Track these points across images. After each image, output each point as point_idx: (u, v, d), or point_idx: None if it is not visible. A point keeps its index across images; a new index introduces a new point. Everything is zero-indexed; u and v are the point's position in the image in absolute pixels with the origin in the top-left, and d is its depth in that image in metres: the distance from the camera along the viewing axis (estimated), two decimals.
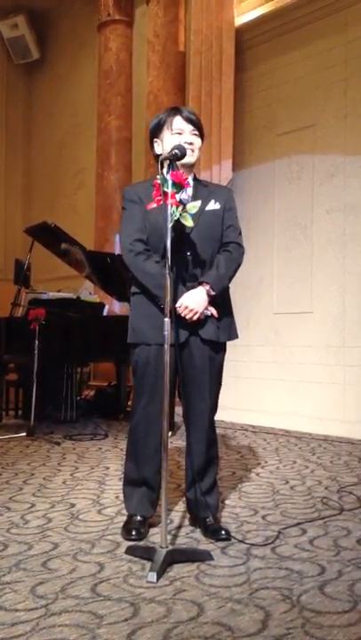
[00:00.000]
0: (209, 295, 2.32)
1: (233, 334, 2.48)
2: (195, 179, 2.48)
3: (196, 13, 5.94)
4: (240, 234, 2.51)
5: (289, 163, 5.55)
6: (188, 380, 2.38)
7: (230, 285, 2.46)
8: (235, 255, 2.42)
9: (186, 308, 2.28)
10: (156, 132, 2.45)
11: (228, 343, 2.47)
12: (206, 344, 2.38)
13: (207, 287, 2.32)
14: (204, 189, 2.45)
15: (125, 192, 2.50)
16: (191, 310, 2.28)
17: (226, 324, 2.44)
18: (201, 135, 2.44)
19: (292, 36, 5.54)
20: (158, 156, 2.44)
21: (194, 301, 2.29)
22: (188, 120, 2.41)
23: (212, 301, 2.35)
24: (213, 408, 2.45)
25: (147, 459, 2.40)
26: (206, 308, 2.33)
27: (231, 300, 2.50)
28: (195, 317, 2.30)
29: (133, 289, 2.45)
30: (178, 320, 2.29)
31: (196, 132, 2.42)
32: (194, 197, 2.36)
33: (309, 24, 5.39)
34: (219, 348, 2.43)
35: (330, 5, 5.22)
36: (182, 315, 2.29)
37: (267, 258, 5.64)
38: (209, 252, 2.39)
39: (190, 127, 2.40)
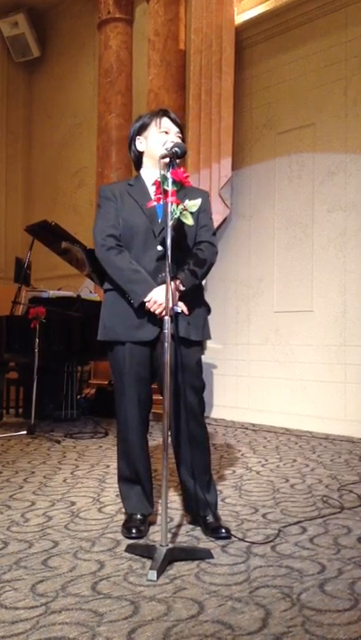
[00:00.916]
0: (178, 290, 2.31)
1: (206, 334, 2.48)
2: None
3: (197, 12, 5.95)
4: (214, 234, 2.54)
5: (289, 161, 5.55)
6: (162, 377, 2.34)
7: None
8: (206, 254, 2.44)
9: (155, 302, 2.28)
10: (140, 130, 2.50)
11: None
12: (179, 342, 2.35)
13: (177, 282, 2.31)
14: (180, 190, 2.46)
15: (101, 190, 2.52)
16: (160, 305, 2.27)
17: (198, 322, 2.43)
18: (183, 140, 2.50)
19: (292, 35, 5.54)
20: (141, 152, 2.50)
21: (163, 296, 2.25)
22: (175, 122, 2.48)
23: (182, 298, 2.34)
24: (192, 403, 2.38)
25: (134, 457, 2.41)
26: (176, 304, 2.32)
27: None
28: (164, 312, 2.29)
29: (106, 285, 2.46)
30: (149, 316, 2.31)
31: (180, 135, 2.49)
32: None
33: (309, 22, 5.40)
34: (191, 346, 2.40)
35: (330, 4, 5.22)
36: (152, 310, 2.29)
37: (267, 256, 5.63)
38: (183, 250, 2.40)
39: (176, 129, 2.47)
